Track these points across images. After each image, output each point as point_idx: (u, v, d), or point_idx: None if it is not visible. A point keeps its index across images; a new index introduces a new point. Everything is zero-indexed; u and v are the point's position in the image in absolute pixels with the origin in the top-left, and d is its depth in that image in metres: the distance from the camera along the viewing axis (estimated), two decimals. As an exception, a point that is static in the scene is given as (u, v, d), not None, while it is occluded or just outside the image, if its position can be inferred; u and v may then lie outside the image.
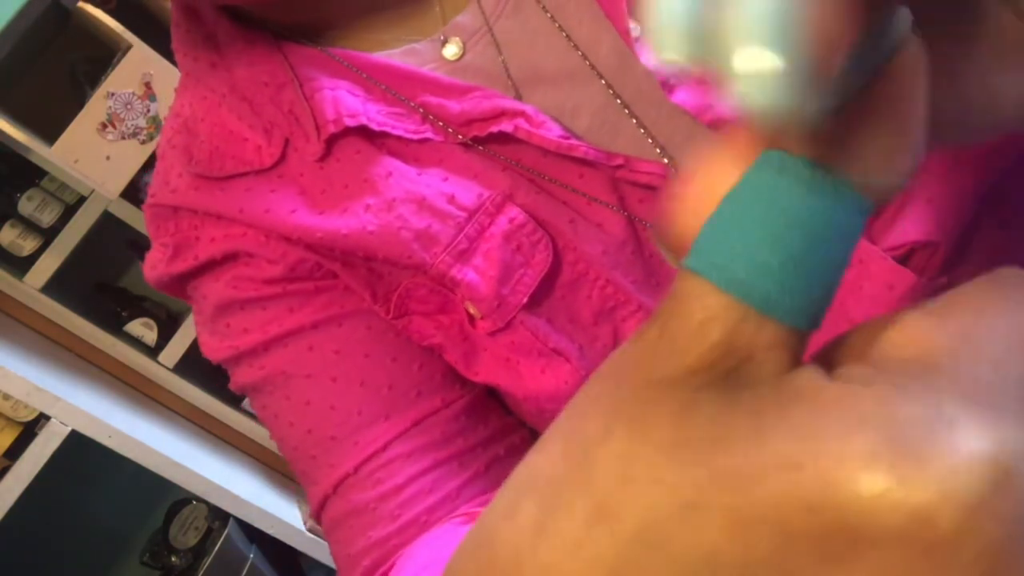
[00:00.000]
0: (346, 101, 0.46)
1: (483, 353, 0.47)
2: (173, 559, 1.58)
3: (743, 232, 0.15)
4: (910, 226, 0.42)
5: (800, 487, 0.14)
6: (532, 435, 0.52)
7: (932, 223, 0.42)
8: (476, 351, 0.47)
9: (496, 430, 0.50)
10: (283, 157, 0.47)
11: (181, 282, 0.51)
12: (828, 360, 0.17)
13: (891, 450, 0.13)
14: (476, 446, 0.48)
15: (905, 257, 0.43)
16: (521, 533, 0.16)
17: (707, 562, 0.14)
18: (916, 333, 0.15)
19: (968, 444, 0.13)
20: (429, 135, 0.46)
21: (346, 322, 0.48)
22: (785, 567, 0.14)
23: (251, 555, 1.51)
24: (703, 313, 0.16)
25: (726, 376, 0.16)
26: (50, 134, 1.31)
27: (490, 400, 0.51)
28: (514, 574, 0.16)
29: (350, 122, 0.45)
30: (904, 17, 0.16)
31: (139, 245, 1.59)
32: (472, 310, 0.46)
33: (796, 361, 0.16)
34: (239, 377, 0.51)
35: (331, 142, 0.46)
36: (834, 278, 0.16)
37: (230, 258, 0.48)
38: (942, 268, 0.44)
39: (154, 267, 0.51)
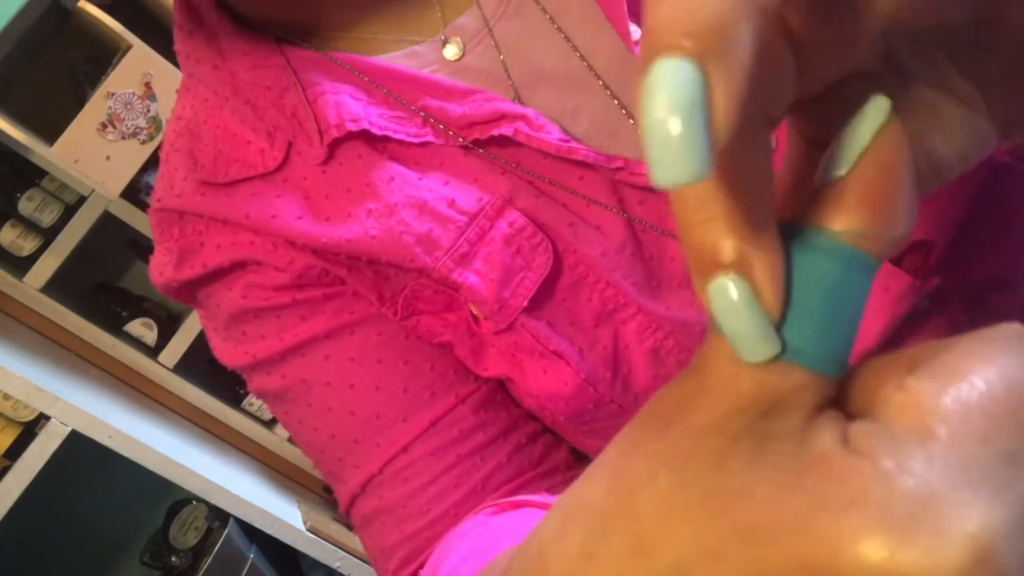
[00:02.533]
0: (348, 105, 0.46)
1: (490, 348, 0.48)
2: (173, 559, 1.58)
3: None
4: None
5: (806, 550, 0.16)
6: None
7: (927, 222, 0.43)
8: (484, 346, 0.48)
9: (515, 418, 0.51)
10: (286, 161, 0.47)
11: (190, 288, 0.51)
12: (846, 397, 0.19)
13: (886, 525, 0.15)
14: (496, 437, 0.49)
15: (900, 256, 0.44)
16: (570, 556, 0.18)
17: None
18: (918, 399, 0.17)
19: (954, 522, 0.15)
20: (430, 138, 0.46)
21: (358, 330, 0.49)
22: None
23: (251, 555, 1.51)
24: (735, 367, 0.18)
25: (759, 420, 0.18)
26: (50, 134, 1.31)
27: (504, 390, 0.52)
28: None
29: (352, 127, 0.45)
30: (880, 105, 0.19)
31: (139, 245, 1.59)
32: (475, 311, 0.46)
33: (823, 404, 0.18)
34: (258, 383, 0.52)
35: (333, 146, 0.46)
36: (850, 327, 0.18)
37: (238, 266, 0.49)
38: (937, 267, 0.44)
39: (161, 272, 0.51)
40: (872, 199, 0.18)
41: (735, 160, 0.17)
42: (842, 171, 0.18)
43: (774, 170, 0.19)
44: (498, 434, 0.49)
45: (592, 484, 0.19)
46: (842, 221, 0.18)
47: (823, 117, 0.21)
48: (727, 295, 0.17)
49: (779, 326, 0.18)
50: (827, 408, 0.18)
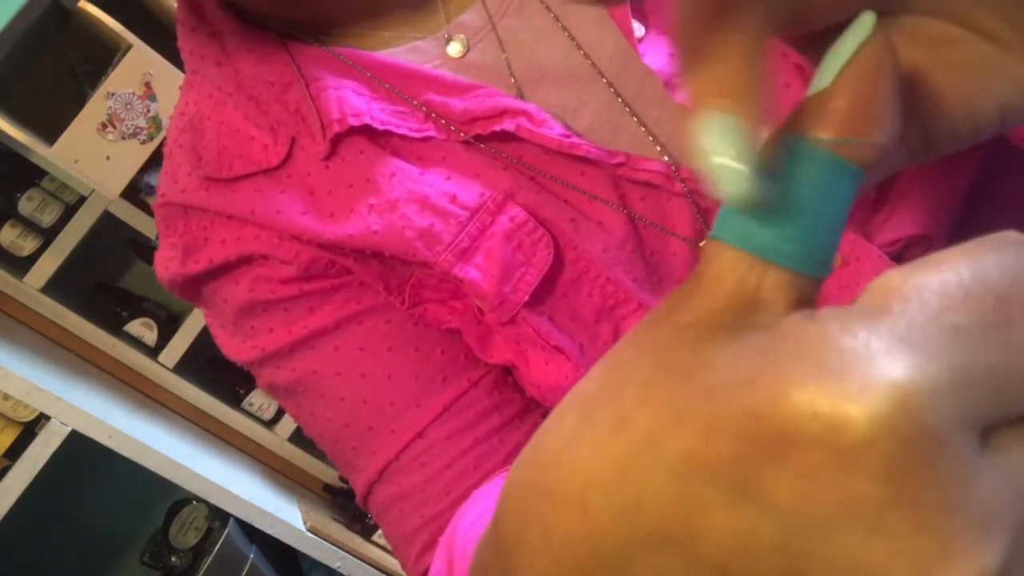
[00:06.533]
0: (351, 100, 0.46)
1: (496, 336, 0.48)
2: (173, 559, 1.58)
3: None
4: (905, 221, 0.44)
5: (753, 401, 0.17)
6: None
7: (926, 217, 0.44)
8: (490, 334, 0.48)
9: (530, 399, 0.51)
10: (289, 156, 0.47)
11: (195, 284, 0.51)
12: None
13: (819, 373, 0.16)
14: (512, 418, 0.50)
15: (901, 252, 0.44)
16: (562, 436, 0.20)
17: (686, 462, 0.18)
18: (886, 283, 0.18)
19: (882, 372, 0.16)
20: (432, 133, 0.47)
21: (366, 319, 0.49)
22: (739, 466, 0.17)
23: (251, 555, 1.51)
24: (719, 266, 0.20)
25: (740, 316, 0.19)
26: (50, 134, 1.31)
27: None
28: (555, 466, 0.20)
29: (354, 121, 0.45)
30: (865, 20, 0.20)
31: (139, 245, 1.59)
32: (478, 303, 0.47)
33: (802, 303, 0.19)
34: (268, 377, 0.52)
35: (336, 141, 0.46)
36: (832, 231, 0.20)
37: (244, 261, 0.49)
38: None
39: (167, 268, 0.51)
40: (852, 107, 0.19)
41: (735, 25, 0.19)
42: (826, 82, 0.19)
43: (768, 45, 0.20)
44: (514, 415, 0.50)
45: (587, 380, 0.21)
46: (823, 128, 0.19)
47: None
48: (711, 126, 0.19)
49: (769, 174, 0.19)
50: (807, 307, 0.19)
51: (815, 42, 0.22)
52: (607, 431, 0.19)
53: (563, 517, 0.20)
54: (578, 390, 0.21)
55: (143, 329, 1.55)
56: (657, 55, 0.45)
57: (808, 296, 0.19)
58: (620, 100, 0.47)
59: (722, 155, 0.19)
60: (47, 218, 1.48)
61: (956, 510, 0.16)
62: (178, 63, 0.52)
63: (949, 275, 0.17)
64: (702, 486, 0.18)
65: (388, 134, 0.46)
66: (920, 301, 0.17)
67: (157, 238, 0.53)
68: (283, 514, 1.42)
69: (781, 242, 0.19)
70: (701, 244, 0.46)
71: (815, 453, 0.16)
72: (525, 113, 0.45)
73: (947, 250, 0.18)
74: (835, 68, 0.19)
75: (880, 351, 0.16)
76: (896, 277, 0.18)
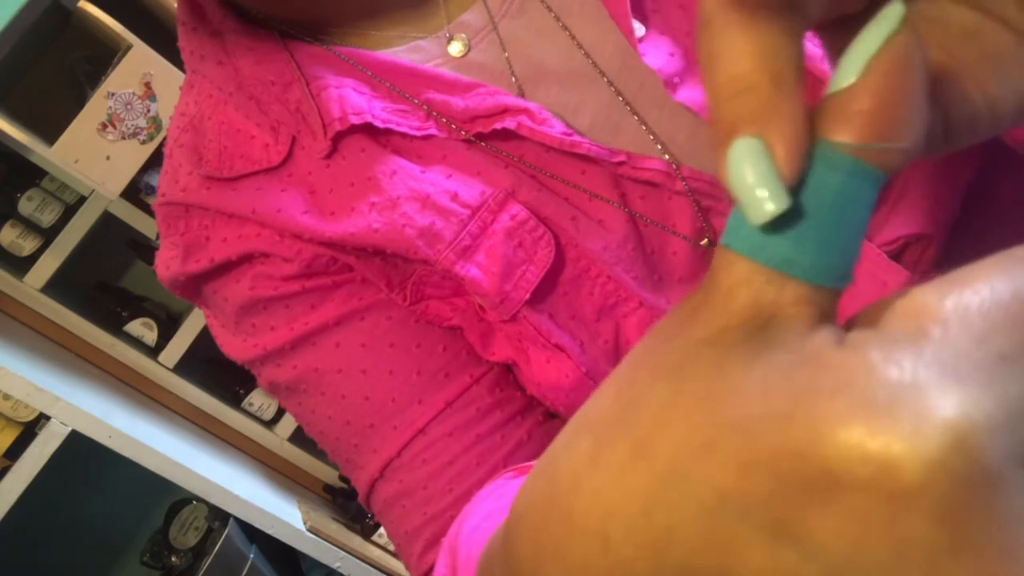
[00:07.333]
0: (351, 99, 0.46)
1: (498, 333, 0.48)
2: (173, 559, 1.58)
3: None
4: (904, 220, 0.44)
5: (791, 436, 0.16)
6: None
7: (926, 217, 0.44)
8: (492, 331, 0.48)
9: (532, 396, 0.51)
10: (290, 155, 0.47)
11: (196, 283, 0.51)
12: (858, 321, 0.19)
13: (868, 409, 0.15)
14: (515, 415, 0.49)
15: (900, 251, 0.44)
16: (578, 462, 0.19)
17: (719, 498, 0.17)
18: (919, 303, 0.17)
19: (934, 409, 0.15)
20: (433, 131, 0.47)
21: (368, 316, 0.49)
22: (779, 506, 0.16)
23: (251, 555, 1.51)
24: (732, 279, 0.18)
25: (757, 332, 0.18)
26: (50, 134, 1.31)
27: None
28: (571, 495, 0.19)
29: (355, 120, 0.45)
30: (893, 12, 0.18)
31: (139, 245, 1.59)
32: (479, 301, 0.47)
33: (823, 316, 0.18)
34: (269, 376, 0.51)
35: (337, 140, 0.46)
36: (852, 239, 0.18)
37: (246, 259, 0.49)
38: (935, 262, 0.45)
39: (168, 267, 0.51)
40: (878, 109, 0.18)
41: (765, 42, 0.18)
42: (850, 80, 0.18)
43: (804, 52, 0.19)
44: (516, 412, 0.50)
45: (599, 399, 0.20)
46: (846, 132, 0.18)
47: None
48: (740, 151, 0.18)
49: (794, 190, 0.18)
50: (828, 321, 0.18)
51: (837, 27, 0.21)
52: (626, 458, 0.18)
53: (582, 547, 0.19)
54: (589, 410, 0.20)
55: (143, 329, 1.55)
56: (657, 55, 0.45)
57: (828, 310, 0.18)
58: (621, 99, 0.47)
59: (750, 183, 0.18)
60: (47, 218, 1.48)
61: (1016, 553, 0.15)
62: (178, 63, 0.52)
63: (987, 295, 0.16)
64: (737, 524, 0.17)
65: (389, 132, 0.47)
66: (962, 325, 0.16)
67: (157, 238, 0.53)
68: (283, 514, 1.42)
69: (800, 254, 0.18)
70: (702, 242, 0.46)
71: (866, 496, 0.15)
72: (526, 111, 0.45)
73: (976, 265, 0.17)
74: (859, 64, 0.18)
75: (929, 384, 0.15)
76: (929, 296, 0.17)
